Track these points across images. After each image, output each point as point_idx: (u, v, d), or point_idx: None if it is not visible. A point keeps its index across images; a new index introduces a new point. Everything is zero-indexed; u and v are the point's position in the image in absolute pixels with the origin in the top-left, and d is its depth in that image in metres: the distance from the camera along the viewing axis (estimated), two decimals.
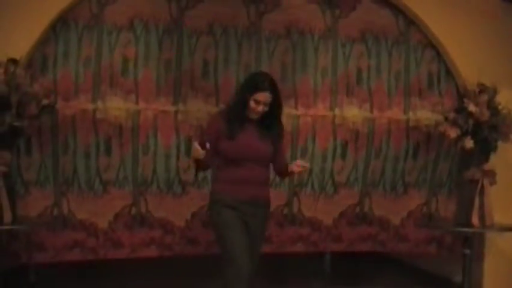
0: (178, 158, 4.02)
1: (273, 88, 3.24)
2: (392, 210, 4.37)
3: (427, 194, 4.41)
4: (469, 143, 3.95)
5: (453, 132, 3.98)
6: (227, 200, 3.24)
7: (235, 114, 3.28)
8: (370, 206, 4.34)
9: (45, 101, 3.66)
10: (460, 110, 4.03)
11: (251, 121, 3.28)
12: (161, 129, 3.98)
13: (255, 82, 3.26)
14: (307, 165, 3.37)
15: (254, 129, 3.30)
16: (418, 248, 4.43)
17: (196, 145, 3.15)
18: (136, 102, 3.94)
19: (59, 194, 3.91)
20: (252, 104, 3.23)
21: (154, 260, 4.15)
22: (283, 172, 3.47)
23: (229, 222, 3.22)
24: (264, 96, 3.21)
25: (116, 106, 3.90)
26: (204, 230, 4.08)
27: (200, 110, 4.02)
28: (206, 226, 4.06)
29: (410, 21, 4.31)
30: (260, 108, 3.23)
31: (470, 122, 3.95)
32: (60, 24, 3.84)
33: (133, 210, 4.00)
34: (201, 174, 4.03)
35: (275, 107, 3.28)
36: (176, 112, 3.99)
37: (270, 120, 3.31)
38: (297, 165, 3.31)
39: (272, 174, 3.99)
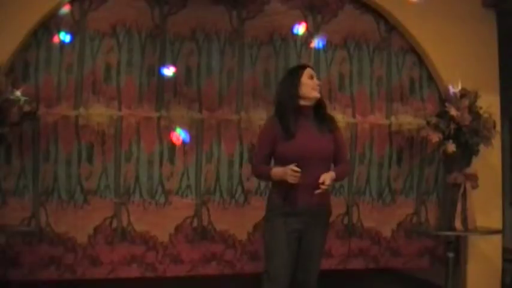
0: (161, 165, 4.11)
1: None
2: (381, 221, 4.43)
3: (415, 203, 4.50)
4: (450, 147, 4.08)
5: (435, 137, 4.11)
6: (286, 209, 3.22)
7: (289, 106, 3.25)
8: (359, 217, 4.40)
9: (26, 108, 3.74)
10: (442, 114, 4.16)
11: (306, 115, 3.28)
12: (144, 135, 4.08)
13: (296, 66, 3.49)
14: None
15: (311, 123, 3.30)
16: (411, 263, 4.48)
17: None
18: (119, 109, 4.06)
19: (37, 204, 3.96)
20: (307, 81, 3.29)
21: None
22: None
23: (279, 240, 3.21)
24: (312, 72, 3.36)
25: (98, 113, 4.02)
26: (189, 247, 4.13)
27: (183, 116, 4.13)
28: (190, 242, 4.13)
29: (392, 27, 4.47)
30: (317, 81, 3.32)
31: (452, 126, 4.08)
32: (42, 30, 3.96)
33: (115, 223, 4.05)
34: (184, 183, 4.13)
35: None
36: (159, 118, 4.11)
37: (323, 111, 3.35)
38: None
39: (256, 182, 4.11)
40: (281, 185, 3.21)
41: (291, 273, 3.24)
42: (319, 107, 3.34)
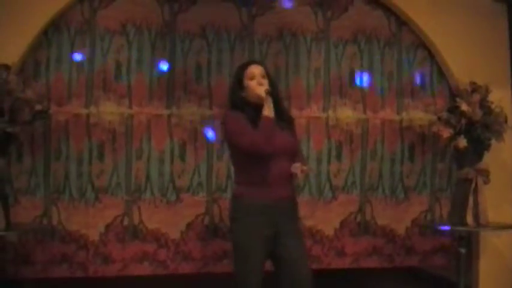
0: (172, 162, 4.18)
1: (258, 62, 3.35)
2: (395, 219, 4.47)
3: (429, 199, 4.53)
4: (462, 143, 4.12)
5: (446, 132, 4.15)
6: (254, 205, 3.14)
7: (245, 107, 3.19)
8: (372, 214, 4.44)
9: (38, 107, 3.81)
10: (453, 109, 4.20)
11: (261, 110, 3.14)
12: (154, 133, 4.15)
13: (239, 67, 3.34)
14: (306, 169, 3.17)
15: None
16: (427, 261, 4.51)
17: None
18: (130, 107, 4.13)
19: (49, 202, 4.04)
20: (249, 83, 3.19)
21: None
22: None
23: (250, 244, 3.11)
24: (255, 68, 3.23)
25: (109, 111, 4.09)
26: (200, 244, 4.20)
27: (194, 113, 4.20)
28: (202, 240, 4.20)
29: (402, 22, 4.50)
30: (260, 80, 3.18)
31: (463, 121, 4.11)
32: (52, 29, 4.04)
33: (126, 221, 4.12)
34: (196, 180, 4.21)
35: (271, 87, 3.20)
36: (169, 116, 4.18)
37: (279, 107, 3.21)
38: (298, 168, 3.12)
39: None
40: (248, 180, 3.16)
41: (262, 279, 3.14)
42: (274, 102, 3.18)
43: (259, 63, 3.35)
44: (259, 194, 3.14)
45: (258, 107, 3.17)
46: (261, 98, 3.14)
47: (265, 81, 3.21)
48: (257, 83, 3.18)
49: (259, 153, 3.09)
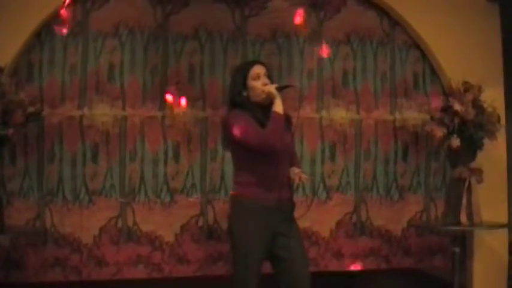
0: (166, 164, 4.22)
1: (261, 62, 3.34)
2: (391, 219, 4.53)
3: (424, 199, 4.59)
4: (455, 142, 4.16)
5: (439, 132, 4.19)
6: (254, 206, 3.16)
7: (248, 106, 3.19)
8: (368, 215, 4.50)
9: (31, 109, 3.84)
10: (446, 109, 4.24)
11: (265, 111, 3.18)
12: (148, 135, 4.20)
13: (242, 65, 3.39)
14: (305, 177, 3.26)
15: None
16: (423, 262, 4.57)
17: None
18: (123, 108, 4.18)
19: (42, 205, 4.07)
20: (253, 84, 3.20)
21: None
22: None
23: (249, 244, 3.13)
24: (260, 68, 3.24)
25: (102, 112, 4.14)
26: (195, 247, 4.24)
27: (187, 114, 4.25)
28: (196, 242, 4.24)
29: (395, 22, 4.56)
30: (265, 80, 3.21)
31: (456, 120, 4.15)
32: (45, 31, 4.08)
33: (120, 223, 4.16)
34: (189, 180, 4.25)
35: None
36: (163, 117, 4.23)
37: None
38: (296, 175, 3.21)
39: None
40: (249, 181, 3.18)
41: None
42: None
43: (263, 63, 3.35)
44: (259, 195, 3.16)
45: (261, 107, 3.21)
46: (272, 95, 3.17)
47: (269, 82, 3.25)
48: (262, 84, 3.21)
49: (270, 149, 3.09)
